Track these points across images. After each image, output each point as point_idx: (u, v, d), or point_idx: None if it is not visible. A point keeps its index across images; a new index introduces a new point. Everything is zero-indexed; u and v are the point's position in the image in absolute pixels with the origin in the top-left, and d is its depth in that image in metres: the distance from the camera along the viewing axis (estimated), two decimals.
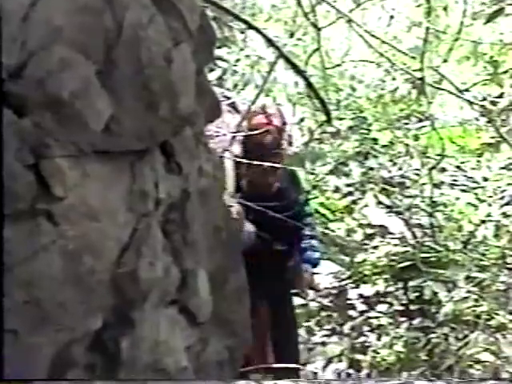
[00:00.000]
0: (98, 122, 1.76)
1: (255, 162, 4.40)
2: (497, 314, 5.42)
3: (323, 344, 5.29)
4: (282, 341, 4.61)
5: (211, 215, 2.34)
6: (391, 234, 6.67)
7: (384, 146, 6.79)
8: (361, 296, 6.41)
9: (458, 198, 6.22)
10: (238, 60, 7.11)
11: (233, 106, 7.42)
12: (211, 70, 6.38)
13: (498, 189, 6.20)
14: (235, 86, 7.21)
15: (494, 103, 6.26)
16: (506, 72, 6.39)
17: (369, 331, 6.29)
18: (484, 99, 6.37)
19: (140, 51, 1.86)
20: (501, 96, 6.30)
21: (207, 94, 2.35)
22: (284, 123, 5.20)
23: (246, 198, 4.30)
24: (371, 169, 6.86)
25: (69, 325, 1.70)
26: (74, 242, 1.69)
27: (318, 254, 5.09)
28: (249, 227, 4.27)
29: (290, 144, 5.24)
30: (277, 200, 4.38)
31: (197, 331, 2.19)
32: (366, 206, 6.82)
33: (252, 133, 4.84)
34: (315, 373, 4.79)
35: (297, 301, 7.08)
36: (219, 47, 6.64)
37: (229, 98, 7.19)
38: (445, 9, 7.02)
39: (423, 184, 6.45)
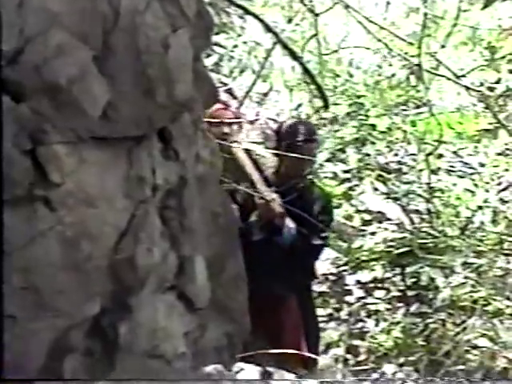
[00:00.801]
0: (95, 108, 1.75)
1: (289, 154, 4.33)
2: (494, 300, 5.44)
3: (321, 330, 5.30)
4: (309, 331, 4.56)
5: (209, 201, 2.34)
6: (389, 220, 6.67)
7: (381, 133, 6.78)
8: (358, 282, 6.42)
9: (455, 184, 6.22)
10: (235, 46, 7.09)
11: (230, 92, 7.41)
12: (208, 56, 6.36)
13: (495, 175, 6.21)
14: (231, 71, 7.20)
15: (491, 89, 6.26)
16: (503, 58, 6.39)
17: (366, 317, 6.30)
18: (481, 85, 6.37)
19: (137, 37, 1.85)
20: (498, 82, 6.30)
21: (204, 80, 2.35)
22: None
23: (278, 192, 4.30)
24: (368, 155, 6.86)
25: (67, 311, 1.70)
26: (72, 228, 1.69)
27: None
28: (289, 223, 4.26)
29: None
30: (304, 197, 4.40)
31: (195, 317, 2.19)
32: (363, 192, 6.82)
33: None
34: (313, 358, 4.79)
35: None
36: (216, 33, 6.62)
37: (226, 84, 7.19)
38: None
39: (420, 170, 6.45)
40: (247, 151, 4.48)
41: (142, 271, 1.90)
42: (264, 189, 4.23)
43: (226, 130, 5.01)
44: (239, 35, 7.15)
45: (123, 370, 1.85)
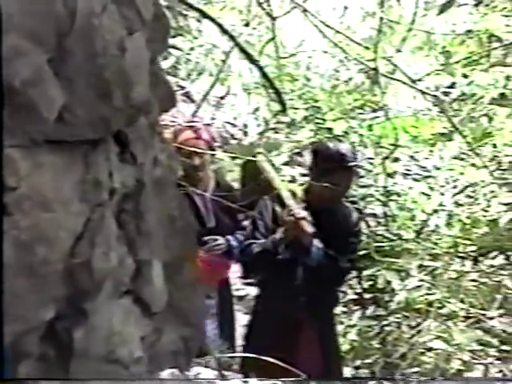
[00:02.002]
0: (50, 110, 1.74)
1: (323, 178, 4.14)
2: (449, 303, 5.49)
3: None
4: (330, 353, 4.45)
5: (166, 205, 2.34)
6: None
7: (338, 136, 6.82)
8: None
9: (411, 188, 6.27)
10: (191, 48, 7.09)
11: (187, 95, 7.40)
12: (165, 59, 6.36)
13: (450, 178, 6.27)
14: (189, 75, 7.19)
15: (446, 93, 6.33)
16: (457, 62, 6.46)
17: None
18: (437, 89, 6.43)
19: (93, 40, 1.84)
20: (453, 86, 6.37)
21: (161, 84, 2.35)
22: (212, 139, 5.24)
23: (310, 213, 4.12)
24: None
25: (22, 315, 1.69)
26: (27, 232, 1.68)
27: None
28: (317, 243, 4.10)
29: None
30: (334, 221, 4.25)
31: (151, 321, 2.19)
32: None
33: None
34: (271, 362, 4.79)
35: (252, 291, 7.10)
36: (173, 36, 6.61)
37: (183, 88, 7.18)
38: None
39: (377, 174, 6.50)
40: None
41: (98, 275, 1.89)
42: (294, 205, 4.06)
43: (197, 161, 4.96)
44: (196, 38, 7.15)
45: (78, 375, 1.84)
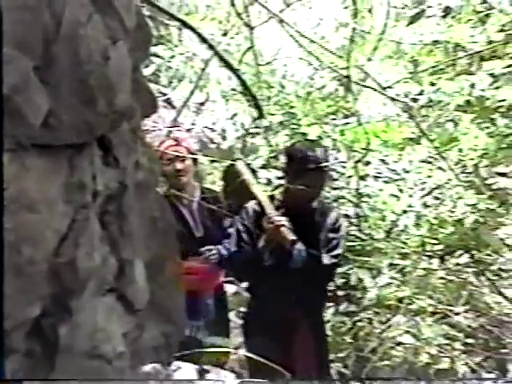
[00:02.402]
0: (36, 116, 1.73)
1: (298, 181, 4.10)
2: (417, 299, 5.52)
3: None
4: (320, 352, 4.39)
5: (147, 207, 2.33)
6: None
7: (312, 141, 6.83)
8: None
9: (381, 190, 6.30)
10: (172, 56, 7.08)
11: (168, 101, 7.39)
12: (146, 66, 6.34)
13: (419, 180, 6.30)
14: (170, 82, 7.18)
15: (414, 100, 6.36)
16: (425, 71, 6.49)
17: None
18: (405, 96, 6.46)
19: (78, 48, 1.84)
20: (421, 93, 6.40)
21: (143, 90, 2.34)
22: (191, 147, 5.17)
23: (287, 216, 4.07)
24: None
25: (8, 312, 1.68)
26: (13, 233, 1.67)
27: None
28: (299, 245, 4.04)
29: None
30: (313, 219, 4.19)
31: (134, 318, 2.18)
32: None
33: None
34: (248, 356, 4.79)
35: (230, 288, 7.10)
36: (155, 45, 6.60)
37: (164, 94, 7.17)
38: (370, 11, 7.09)
39: (349, 176, 6.52)
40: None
41: (83, 274, 1.88)
42: (273, 213, 4.00)
43: (179, 166, 4.85)
44: (176, 46, 7.14)
45: (63, 370, 1.83)
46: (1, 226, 1.60)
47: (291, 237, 3.95)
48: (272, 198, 4.16)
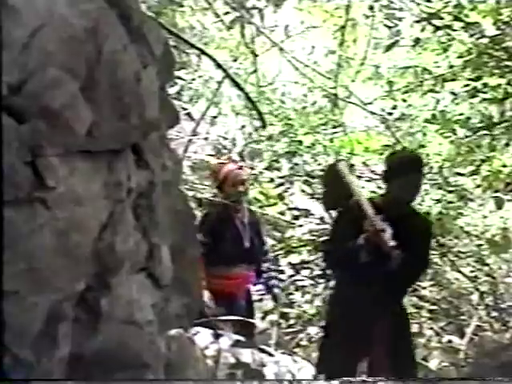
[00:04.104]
0: (82, 127, 1.74)
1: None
2: None
3: (260, 300, 5.30)
4: (402, 353, 3.81)
5: (172, 201, 2.33)
6: (313, 215, 6.73)
7: (307, 147, 6.84)
8: (289, 263, 6.47)
9: (363, 187, 6.29)
10: (193, 79, 7.09)
11: (189, 115, 7.39)
12: (171, 87, 6.34)
13: None
14: (191, 99, 7.19)
15: (390, 114, 6.36)
16: (398, 90, 6.49)
17: (295, 290, 6.35)
18: (383, 111, 6.46)
19: (116, 72, 1.84)
20: (395, 108, 6.40)
21: (168, 106, 2.34)
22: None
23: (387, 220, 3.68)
24: (297, 164, 6.91)
25: (60, 287, 1.68)
26: (64, 223, 1.68)
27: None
28: (396, 250, 3.63)
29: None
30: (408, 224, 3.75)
31: (161, 292, 2.18)
32: (293, 193, 6.87)
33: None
34: (253, 323, 4.79)
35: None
36: (178, 69, 6.60)
37: (186, 109, 7.17)
38: (354, 41, 7.09)
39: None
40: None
41: (120, 256, 1.89)
42: (375, 217, 3.62)
43: (241, 188, 4.82)
44: (196, 70, 7.14)
45: (105, 334, 1.84)
46: (1, 216, 1.60)
47: (391, 243, 3.60)
48: (371, 201, 3.77)
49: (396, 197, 3.82)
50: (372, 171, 6.64)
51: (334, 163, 4.13)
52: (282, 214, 6.79)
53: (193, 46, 6.01)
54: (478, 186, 6.37)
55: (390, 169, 3.86)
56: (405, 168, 3.77)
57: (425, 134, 6.30)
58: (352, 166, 3.94)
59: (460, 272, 6.68)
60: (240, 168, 4.93)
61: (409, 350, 3.95)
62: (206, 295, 4.54)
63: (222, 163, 5.00)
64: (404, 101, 6.42)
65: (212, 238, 4.67)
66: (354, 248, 3.66)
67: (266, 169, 6.76)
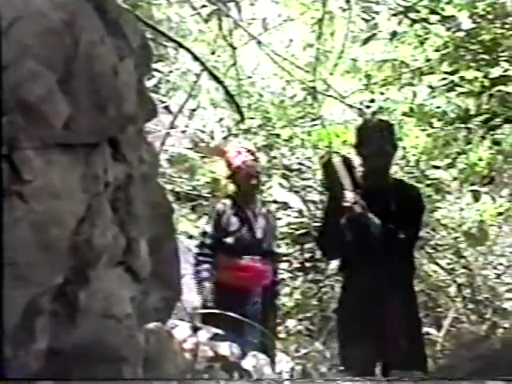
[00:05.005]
0: (58, 120, 1.73)
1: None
2: None
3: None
4: (411, 340, 3.70)
5: (150, 194, 2.33)
6: (291, 208, 6.75)
7: (285, 140, 6.85)
8: None
9: None
10: (170, 72, 7.06)
11: (167, 108, 7.37)
12: (149, 79, 6.32)
13: None
14: (168, 92, 7.17)
15: (367, 107, 6.38)
16: (376, 83, 6.52)
17: None
18: (360, 104, 6.49)
19: (93, 64, 1.84)
20: (372, 101, 6.43)
21: (146, 99, 2.34)
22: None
23: (364, 193, 3.70)
24: (275, 158, 6.93)
25: (37, 281, 1.68)
26: (41, 216, 1.67)
27: None
28: (374, 219, 3.65)
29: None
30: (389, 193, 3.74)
31: (139, 286, 2.18)
32: (271, 186, 6.88)
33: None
34: (232, 316, 4.77)
35: None
36: (156, 62, 6.58)
37: (163, 102, 7.15)
38: (332, 34, 7.10)
39: (315, 169, 6.54)
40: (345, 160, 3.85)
41: (98, 249, 1.89)
42: (348, 192, 3.65)
43: (254, 181, 4.72)
44: (173, 63, 7.12)
45: (83, 327, 1.84)
46: (1, 225, 1.59)
47: (359, 210, 3.61)
48: (355, 182, 3.74)
49: (370, 167, 3.82)
50: None
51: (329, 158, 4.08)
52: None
53: (170, 38, 5.99)
54: (455, 179, 6.43)
55: (359, 141, 3.89)
56: (371, 136, 3.79)
57: (402, 127, 6.34)
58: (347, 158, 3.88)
59: (437, 264, 6.75)
60: (255, 160, 4.80)
61: (419, 340, 3.92)
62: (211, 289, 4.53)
63: (237, 152, 4.82)
64: (382, 94, 6.45)
65: (223, 230, 4.63)
66: (338, 228, 3.69)
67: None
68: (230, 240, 4.62)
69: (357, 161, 3.95)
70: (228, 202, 4.78)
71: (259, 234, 4.70)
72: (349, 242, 3.70)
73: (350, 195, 3.65)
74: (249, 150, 4.81)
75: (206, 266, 4.56)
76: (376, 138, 3.78)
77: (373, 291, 3.63)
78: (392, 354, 3.56)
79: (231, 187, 4.94)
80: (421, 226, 4.10)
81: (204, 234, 4.69)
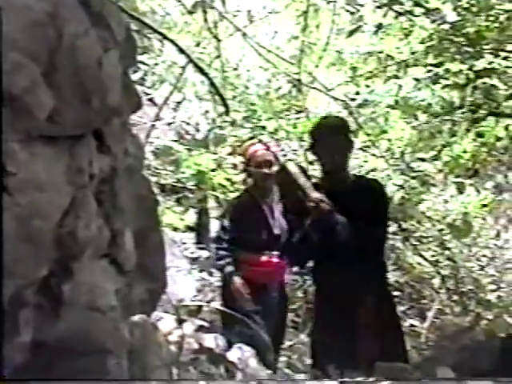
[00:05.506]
0: (43, 112, 1.73)
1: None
2: None
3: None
4: (389, 340, 3.61)
5: (135, 187, 2.33)
6: None
7: (270, 133, 6.85)
8: None
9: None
10: (155, 64, 7.04)
11: (152, 100, 7.35)
12: (134, 72, 6.30)
13: (357, 165, 6.35)
14: (153, 84, 7.15)
15: (352, 99, 6.40)
16: (361, 75, 6.54)
17: None
18: (345, 96, 6.50)
19: (77, 56, 1.83)
20: (358, 94, 6.44)
21: (131, 91, 2.34)
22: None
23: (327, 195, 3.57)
24: None
25: (22, 273, 1.68)
26: (25, 209, 1.67)
27: None
28: (341, 218, 3.54)
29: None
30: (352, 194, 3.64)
31: (124, 278, 2.19)
32: None
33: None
34: (217, 309, 4.78)
35: (203, 253, 7.10)
36: (141, 54, 6.55)
37: (148, 94, 7.12)
38: (317, 26, 7.10)
39: (300, 162, 6.54)
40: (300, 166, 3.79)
41: (82, 242, 1.89)
42: (312, 192, 3.56)
43: (267, 171, 4.55)
44: (158, 55, 7.10)
45: (67, 320, 1.84)
46: (0, 214, 1.59)
47: (327, 207, 3.51)
48: (316, 185, 3.67)
49: (326, 166, 3.74)
50: None
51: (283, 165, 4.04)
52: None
53: (155, 30, 5.97)
54: (440, 171, 6.47)
55: (313, 141, 3.79)
56: (324, 134, 3.70)
57: (387, 120, 6.36)
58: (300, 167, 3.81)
59: (422, 256, 6.79)
60: (267, 149, 4.69)
61: (397, 332, 3.83)
62: (242, 285, 4.49)
63: (250, 144, 4.78)
64: (367, 86, 6.46)
65: (239, 225, 4.57)
66: (304, 232, 3.63)
67: (229, 154, 6.75)
68: (248, 235, 4.56)
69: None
70: (245, 196, 4.75)
71: (277, 230, 4.61)
72: (316, 244, 3.62)
73: (314, 195, 3.56)
74: (261, 141, 4.81)
75: (228, 260, 4.52)
76: (329, 135, 3.69)
77: (346, 291, 3.55)
78: (369, 351, 3.46)
79: (249, 181, 4.85)
80: (388, 220, 4.04)
81: (223, 228, 4.65)
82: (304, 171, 3.77)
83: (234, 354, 3.12)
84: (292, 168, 3.74)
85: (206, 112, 7.33)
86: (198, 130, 7.36)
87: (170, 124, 7.55)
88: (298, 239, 3.72)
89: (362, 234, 3.53)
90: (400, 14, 5.62)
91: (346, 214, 3.56)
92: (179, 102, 7.65)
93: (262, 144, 4.78)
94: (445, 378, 2.57)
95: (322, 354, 3.69)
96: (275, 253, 4.57)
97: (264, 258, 4.55)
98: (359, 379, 2.57)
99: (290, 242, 3.82)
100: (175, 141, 6.96)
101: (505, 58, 5.27)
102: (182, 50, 5.74)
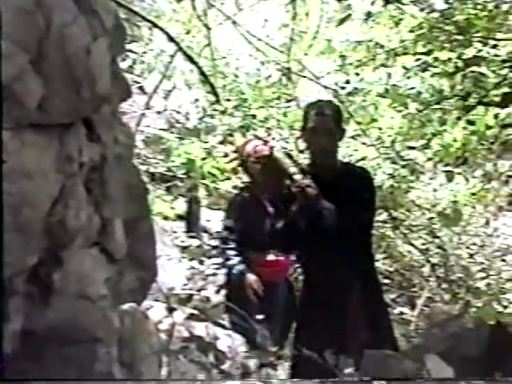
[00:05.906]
0: (32, 101, 1.73)
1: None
2: None
3: (214, 275, 5.29)
4: (376, 325, 3.60)
5: (125, 175, 2.33)
6: None
7: (261, 121, 6.85)
8: None
9: None
10: (144, 52, 7.02)
11: (141, 88, 7.33)
12: (123, 60, 6.27)
13: (347, 154, 6.35)
14: (142, 72, 7.13)
15: (342, 88, 6.39)
16: (351, 64, 6.53)
17: None
18: (335, 84, 6.50)
19: (65, 44, 1.83)
20: (347, 82, 6.44)
21: (120, 79, 2.33)
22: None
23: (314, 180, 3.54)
24: None
25: (11, 262, 1.68)
26: (14, 197, 1.67)
27: None
28: (328, 204, 3.51)
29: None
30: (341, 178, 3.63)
31: (114, 266, 2.19)
32: None
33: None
34: (208, 297, 4.78)
35: (194, 242, 7.10)
36: (130, 42, 6.53)
37: (138, 83, 7.10)
38: (306, 14, 7.10)
39: (291, 150, 6.54)
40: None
41: (72, 231, 1.89)
42: (299, 178, 3.53)
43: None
44: (147, 44, 7.07)
45: (57, 309, 1.84)
46: (0, 195, 1.59)
47: (314, 191, 3.48)
48: (303, 170, 3.63)
49: (314, 151, 3.72)
50: None
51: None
52: (235, 188, 6.81)
53: (144, 18, 5.95)
54: (429, 160, 6.48)
55: (304, 123, 3.76)
56: (315, 117, 3.65)
57: (377, 108, 6.37)
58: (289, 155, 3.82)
59: (411, 245, 6.81)
60: (265, 144, 4.67)
61: (386, 321, 3.82)
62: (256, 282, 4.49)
63: (247, 140, 4.77)
64: (357, 75, 6.45)
65: (243, 223, 4.55)
66: (291, 218, 3.61)
67: (220, 143, 6.75)
68: (252, 232, 4.52)
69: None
70: (245, 193, 4.69)
71: (279, 225, 4.58)
72: (302, 230, 3.58)
73: (301, 180, 3.53)
74: (259, 138, 4.78)
75: (238, 259, 4.51)
76: (320, 119, 3.64)
77: (333, 278, 3.52)
78: (357, 339, 3.47)
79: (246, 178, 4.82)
80: (375, 208, 4.04)
81: (227, 228, 4.62)
82: (291, 157, 3.78)
83: (223, 343, 3.13)
84: (279, 155, 3.73)
85: (196, 100, 7.31)
86: (188, 119, 7.34)
87: (160, 112, 7.53)
88: (284, 225, 3.71)
89: (348, 221, 3.48)
90: (389, 2, 5.61)
91: (333, 200, 3.54)
92: (169, 91, 7.63)
93: (258, 140, 4.77)
94: (445, 378, 2.58)
95: (306, 341, 3.57)
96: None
97: (271, 258, 4.55)
98: (355, 379, 2.58)
99: (276, 227, 3.80)
100: (165, 129, 6.95)
101: (494, 47, 5.28)
102: (171, 38, 5.73)
